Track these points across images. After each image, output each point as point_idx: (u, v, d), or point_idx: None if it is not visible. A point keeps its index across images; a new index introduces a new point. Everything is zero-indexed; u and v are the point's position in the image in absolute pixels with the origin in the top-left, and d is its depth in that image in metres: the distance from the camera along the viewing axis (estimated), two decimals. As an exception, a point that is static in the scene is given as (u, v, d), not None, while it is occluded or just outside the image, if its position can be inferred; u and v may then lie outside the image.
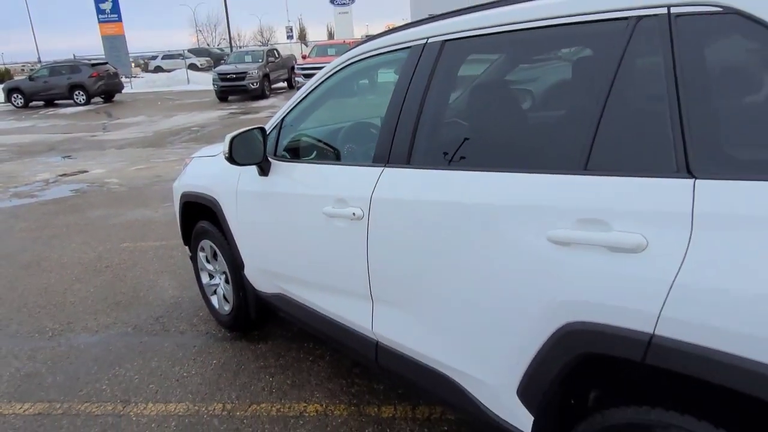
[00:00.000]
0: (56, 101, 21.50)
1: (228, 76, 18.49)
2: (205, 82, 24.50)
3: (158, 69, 36.26)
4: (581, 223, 1.40)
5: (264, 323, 3.35)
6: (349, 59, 2.34)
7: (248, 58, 19.98)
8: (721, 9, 1.22)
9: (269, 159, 2.61)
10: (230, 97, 19.34)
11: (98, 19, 30.79)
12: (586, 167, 1.44)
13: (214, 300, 3.42)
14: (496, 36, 1.74)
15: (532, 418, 1.61)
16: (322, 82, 2.47)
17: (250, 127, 2.53)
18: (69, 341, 3.41)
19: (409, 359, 2.02)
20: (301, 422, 2.49)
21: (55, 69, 21.44)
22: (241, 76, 18.23)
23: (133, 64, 34.13)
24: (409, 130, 1.94)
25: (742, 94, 1.26)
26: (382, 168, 2.03)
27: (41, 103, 21.83)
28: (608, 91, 1.42)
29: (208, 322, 3.51)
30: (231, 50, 33.06)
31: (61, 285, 4.34)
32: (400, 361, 2.06)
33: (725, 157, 1.23)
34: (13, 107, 21.62)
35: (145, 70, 39.24)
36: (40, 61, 60.04)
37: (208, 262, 3.38)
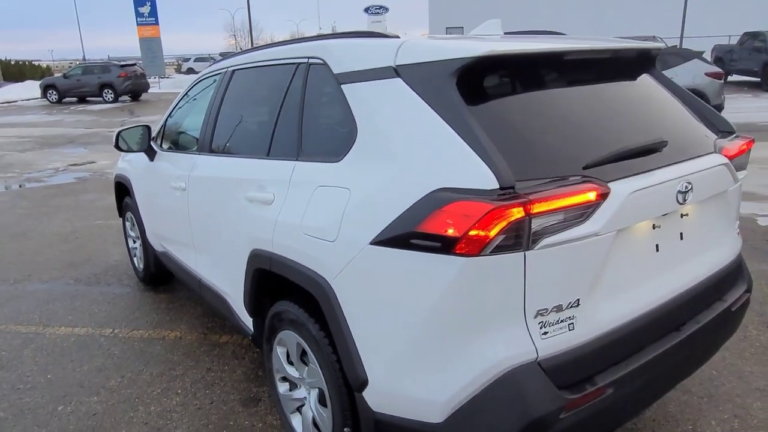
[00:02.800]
0: (87, 98, 23.15)
1: None
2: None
3: (190, 71, 38.03)
4: (257, 188, 2.26)
5: (171, 279, 4.26)
6: (197, 79, 3.26)
7: None
8: (322, 61, 2.08)
9: (154, 148, 3.52)
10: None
11: (137, 21, 32.57)
12: (267, 154, 2.31)
13: (135, 260, 4.37)
14: (245, 69, 2.65)
15: (251, 320, 2.47)
16: (185, 94, 3.38)
17: (136, 125, 3.46)
18: (24, 287, 4.39)
19: (209, 288, 2.90)
20: (161, 343, 3.38)
21: (87, 68, 23.11)
22: None
23: (174, 66, 35.69)
24: (210, 129, 2.84)
25: (320, 114, 2.11)
26: (198, 155, 2.93)
27: (74, 99, 23.52)
28: (280, 105, 2.28)
29: (131, 279, 4.45)
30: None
31: (35, 249, 5.35)
32: (207, 291, 2.94)
33: (310, 148, 2.08)
34: (48, 102, 23.38)
35: (179, 71, 41.14)
36: (84, 59, 62.91)
37: (130, 229, 4.33)
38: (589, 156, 1.63)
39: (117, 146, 3.41)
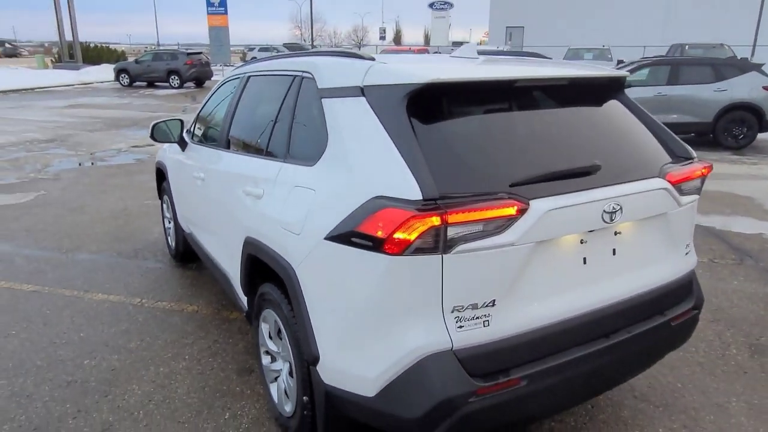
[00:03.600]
0: (156, 83, 24.46)
1: None
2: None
3: (254, 60, 39.25)
4: (252, 183, 2.58)
5: (197, 258, 4.69)
6: (224, 80, 3.62)
7: None
8: (311, 75, 2.37)
9: (186, 140, 3.93)
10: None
11: (207, 11, 33.93)
12: (264, 154, 2.63)
13: (169, 239, 4.83)
14: (258, 76, 2.98)
15: (245, 298, 2.80)
16: (214, 92, 3.76)
17: (170, 118, 3.87)
18: (73, 256, 4.94)
19: (218, 267, 3.26)
20: (179, 314, 3.79)
21: (157, 55, 24.45)
22: None
23: (239, 54, 36.86)
24: (226, 126, 3.19)
25: (306, 122, 2.39)
26: (215, 149, 3.29)
27: (144, 84, 24.91)
28: (278, 111, 2.60)
29: (165, 255, 4.92)
30: (312, 46, 35.06)
31: (88, 223, 5.94)
32: (217, 270, 3.31)
33: (295, 152, 2.38)
34: (120, 85, 24.88)
35: (244, 60, 42.53)
36: (158, 45, 65.75)
37: (166, 210, 4.79)
38: (517, 175, 1.84)
39: (152, 137, 3.82)
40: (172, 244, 4.71)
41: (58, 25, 29.23)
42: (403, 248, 1.69)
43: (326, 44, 58.22)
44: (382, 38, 56.72)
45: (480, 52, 2.60)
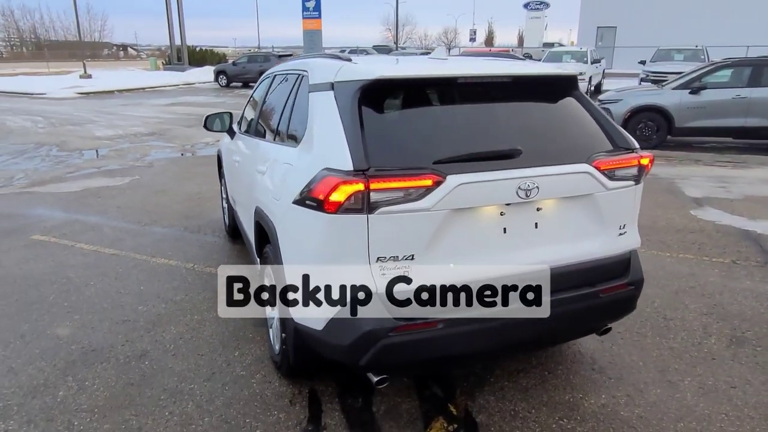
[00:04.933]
0: (250, 84, 26.27)
1: None
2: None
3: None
4: (262, 162, 3.15)
5: (246, 235, 5.38)
6: (262, 78, 4.24)
7: None
8: (306, 71, 2.90)
9: (234, 130, 4.61)
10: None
11: (303, 15, 35.73)
12: (274, 140, 3.19)
13: (225, 217, 5.58)
14: (280, 74, 3.55)
15: (258, 260, 3.38)
16: (256, 88, 4.40)
17: (221, 111, 4.57)
18: (149, 228, 5.83)
19: (245, 235, 3.88)
20: (221, 277, 4.47)
21: (252, 57, 26.31)
22: None
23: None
24: (257, 117, 3.80)
25: (299, 112, 2.90)
26: (249, 137, 3.91)
27: (239, 84, 26.83)
28: (284, 103, 3.15)
29: (222, 231, 5.67)
30: (396, 48, 35.69)
31: (167, 203, 6.88)
32: (245, 238, 3.93)
33: (289, 136, 2.91)
34: (218, 86, 26.98)
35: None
36: (258, 48, 69.35)
37: (223, 192, 5.54)
38: (440, 155, 2.25)
39: (205, 126, 4.53)
40: (227, 221, 5.44)
41: (169, 30, 32.12)
42: (336, 208, 2.16)
43: (415, 46, 58.90)
44: (472, 40, 56.54)
45: (468, 54, 2.99)
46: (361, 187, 2.12)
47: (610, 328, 2.84)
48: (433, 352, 2.34)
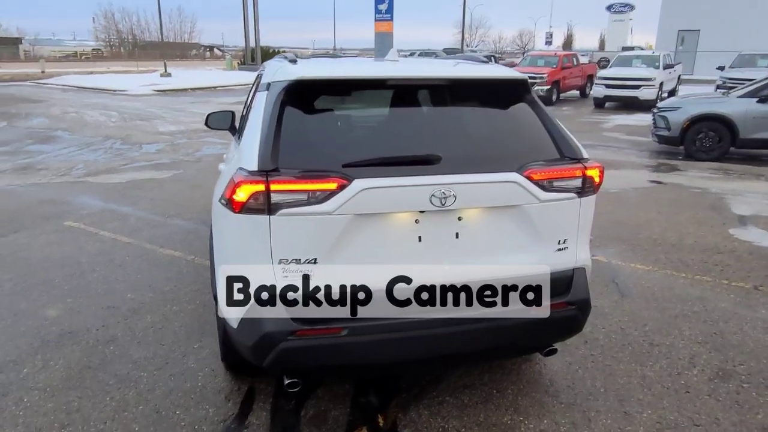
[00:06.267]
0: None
1: None
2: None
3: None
4: (224, 161, 3.20)
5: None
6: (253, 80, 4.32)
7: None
8: (263, 72, 2.92)
9: (236, 128, 4.72)
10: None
11: (375, 17, 36.16)
12: (238, 139, 3.24)
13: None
14: (258, 74, 3.59)
15: None
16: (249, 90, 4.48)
17: (222, 110, 4.69)
18: (170, 221, 6.09)
19: None
20: (214, 271, 4.60)
21: (314, 57, 26.87)
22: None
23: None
24: (239, 117, 3.88)
25: (251, 110, 2.92)
26: (233, 137, 4.00)
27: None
28: (246, 102, 3.18)
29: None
30: (462, 50, 35.22)
31: (198, 197, 7.16)
32: None
33: (240, 133, 2.94)
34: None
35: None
36: (334, 49, 70.79)
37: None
38: (350, 158, 2.19)
39: (206, 124, 4.67)
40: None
41: (245, 31, 33.48)
42: (240, 207, 2.16)
43: (489, 49, 57.96)
44: (548, 43, 54.87)
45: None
46: (261, 187, 2.11)
47: (554, 349, 2.65)
48: (338, 359, 2.28)
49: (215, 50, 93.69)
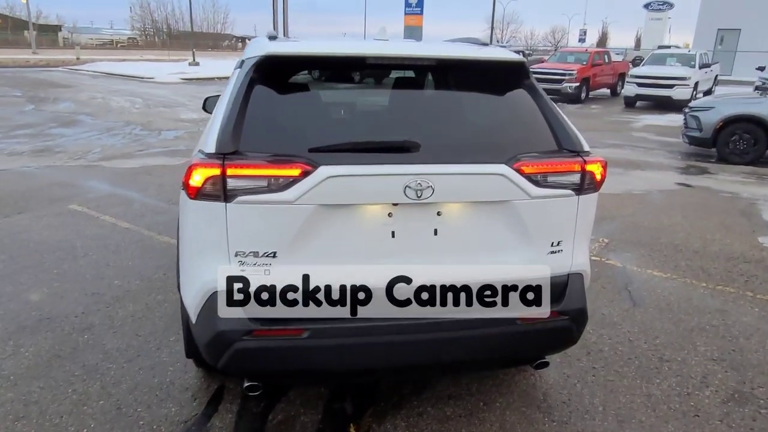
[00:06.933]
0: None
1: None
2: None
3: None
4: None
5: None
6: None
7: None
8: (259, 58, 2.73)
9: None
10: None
11: (405, 11, 35.81)
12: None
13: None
14: None
15: None
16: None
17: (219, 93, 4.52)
18: (174, 207, 5.96)
19: None
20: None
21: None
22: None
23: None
24: None
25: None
26: None
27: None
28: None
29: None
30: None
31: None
32: None
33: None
34: (312, 78, 27.67)
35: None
36: (364, 43, 69.89)
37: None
38: (317, 142, 1.98)
39: (204, 108, 4.51)
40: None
41: (274, 24, 33.48)
42: (196, 193, 1.97)
43: (520, 45, 56.90)
44: (581, 40, 53.57)
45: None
46: (216, 171, 1.91)
47: (546, 362, 2.40)
48: (298, 364, 2.08)
49: (246, 41, 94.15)
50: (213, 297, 2.02)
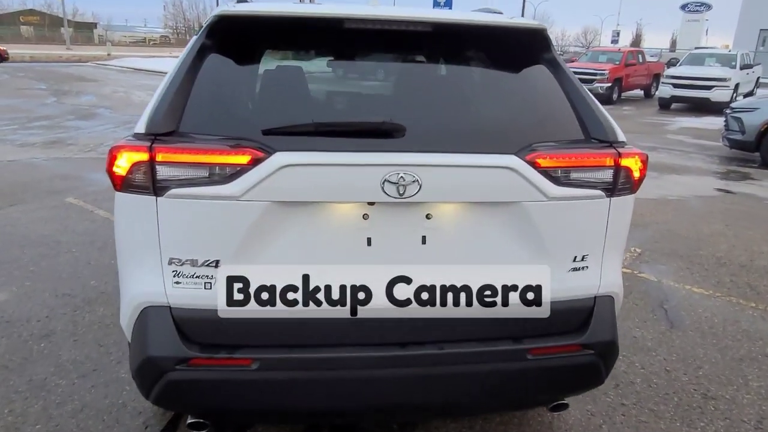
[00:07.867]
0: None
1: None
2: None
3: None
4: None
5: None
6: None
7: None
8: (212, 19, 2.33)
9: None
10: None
11: (433, 7, 35.32)
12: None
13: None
14: None
15: None
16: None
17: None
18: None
19: None
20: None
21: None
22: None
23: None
24: None
25: None
26: None
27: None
28: None
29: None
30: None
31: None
32: None
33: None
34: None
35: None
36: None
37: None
38: (274, 123, 1.56)
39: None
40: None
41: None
42: (121, 183, 1.57)
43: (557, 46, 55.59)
44: (614, 41, 52.06)
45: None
46: (144, 156, 1.51)
47: (565, 404, 1.94)
48: (246, 402, 1.66)
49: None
50: (144, 314, 1.62)
